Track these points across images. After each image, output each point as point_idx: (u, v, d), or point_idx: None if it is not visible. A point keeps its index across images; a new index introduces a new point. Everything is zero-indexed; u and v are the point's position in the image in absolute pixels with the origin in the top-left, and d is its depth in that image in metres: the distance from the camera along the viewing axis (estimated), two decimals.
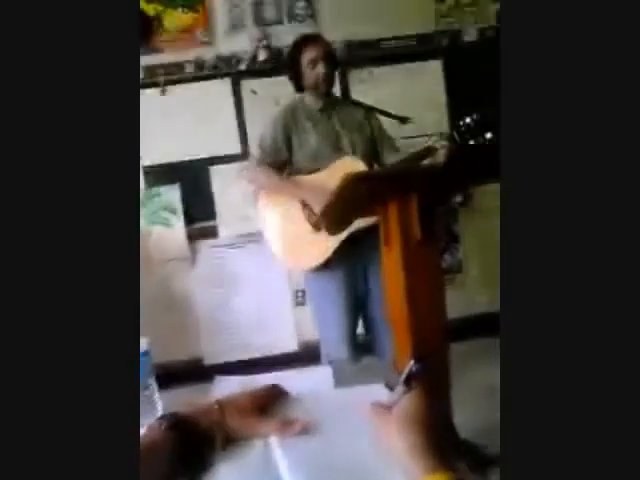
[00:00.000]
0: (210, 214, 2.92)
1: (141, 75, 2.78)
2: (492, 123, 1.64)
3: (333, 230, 1.73)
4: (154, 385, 0.90)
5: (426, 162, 1.84)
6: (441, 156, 1.76)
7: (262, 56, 2.84)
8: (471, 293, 3.08)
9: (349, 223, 1.69)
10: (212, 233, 2.94)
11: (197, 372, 2.68)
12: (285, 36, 2.76)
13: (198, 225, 2.94)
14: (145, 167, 2.83)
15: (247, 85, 2.89)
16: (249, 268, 2.95)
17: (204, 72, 2.85)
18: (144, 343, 0.88)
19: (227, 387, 0.84)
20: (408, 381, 0.62)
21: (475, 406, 1.94)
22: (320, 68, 2.00)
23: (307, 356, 2.37)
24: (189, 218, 2.93)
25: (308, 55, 2.01)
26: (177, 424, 0.61)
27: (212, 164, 2.90)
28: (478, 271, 3.12)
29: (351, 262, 2.02)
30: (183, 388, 1.07)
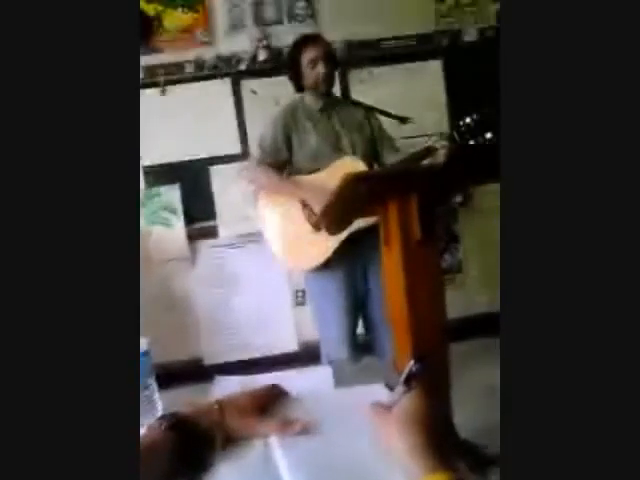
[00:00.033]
0: (210, 214, 2.92)
1: (141, 75, 2.77)
2: (492, 123, 1.64)
3: (333, 230, 1.73)
4: (154, 385, 0.90)
5: (426, 162, 1.84)
6: (441, 156, 1.76)
7: (262, 56, 2.84)
8: (471, 293, 3.08)
9: (349, 223, 1.69)
10: (212, 233, 2.94)
11: (197, 372, 2.68)
12: (285, 36, 2.77)
13: (198, 225, 2.94)
14: (145, 167, 2.83)
15: (247, 85, 2.89)
16: (249, 268, 2.95)
17: (204, 72, 2.85)
18: (144, 343, 0.88)
19: (227, 387, 0.84)
20: (408, 381, 0.62)
21: (475, 406, 1.94)
22: (320, 68, 2.00)
23: (307, 356, 2.37)
24: (189, 218, 2.93)
25: (308, 55, 2.01)
26: (177, 424, 0.61)
27: (212, 164, 2.90)
28: (478, 271, 3.12)
29: (351, 262, 2.02)
30: (183, 388, 1.07)
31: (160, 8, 2.80)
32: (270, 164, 2.05)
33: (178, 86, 2.85)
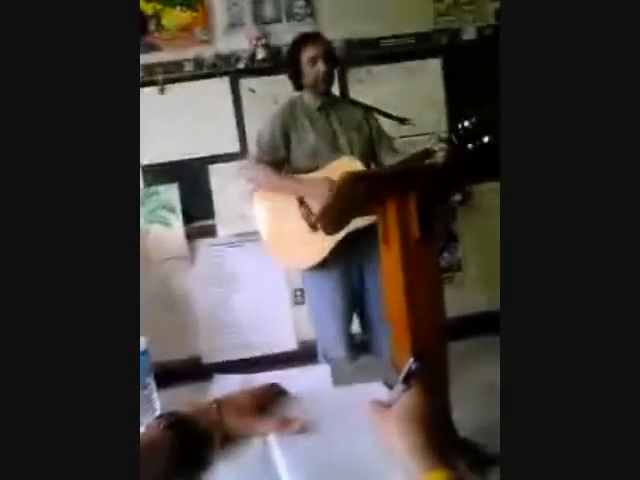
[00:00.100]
0: (209, 213, 2.92)
1: (140, 74, 2.77)
2: (490, 126, 1.63)
3: (330, 230, 1.73)
4: (153, 384, 0.90)
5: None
6: (439, 158, 1.76)
7: (261, 55, 2.83)
8: (470, 292, 3.08)
9: (347, 223, 1.69)
10: (211, 232, 2.94)
11: (196, 371, 2.67)
12: (284, 35, 2.76)
13: (197, 224, 2.94)
14: (144, 166, 2.83)
15: (246, 84, 2.88)
16: (248, 267, 2.95)
17: (203, 71, 2.85)
18: (143, 342, 0.88)
19: (226, 386, 0.84)
20: (407, 379, 0.62)
21: (474, 404, 1.94)
22: (320, 66, 2.00)
23: (306, 355, 2.37)
24: (188, 217, 2.92)
25: (308, 53, 2.01)
26: (176, 423, 0.61)
27: (211, 163, 2.89)
28: (477, 270, 3.12)
29: (347, 261, 2.02)
30: (182, 387, 1.07)
31: (159, 7, 2.79)
32: (268, 162, 2.05)
33: (177, 85, 2.84)
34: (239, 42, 2.85)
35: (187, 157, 2.88)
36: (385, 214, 1.47)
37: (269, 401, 0.70)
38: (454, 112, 2.94)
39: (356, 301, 2.10)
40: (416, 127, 2.19)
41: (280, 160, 2.06)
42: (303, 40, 2.05)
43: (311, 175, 2.00)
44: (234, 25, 2.86)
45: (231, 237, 2.94)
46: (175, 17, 2.81)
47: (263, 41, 2.83)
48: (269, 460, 0.61)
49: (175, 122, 2.84)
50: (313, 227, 1.97)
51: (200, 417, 0.63)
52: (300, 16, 2.89)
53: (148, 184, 2.87)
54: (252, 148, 2.37)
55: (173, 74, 2.83)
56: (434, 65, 2.98)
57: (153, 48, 2.80)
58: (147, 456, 0.56)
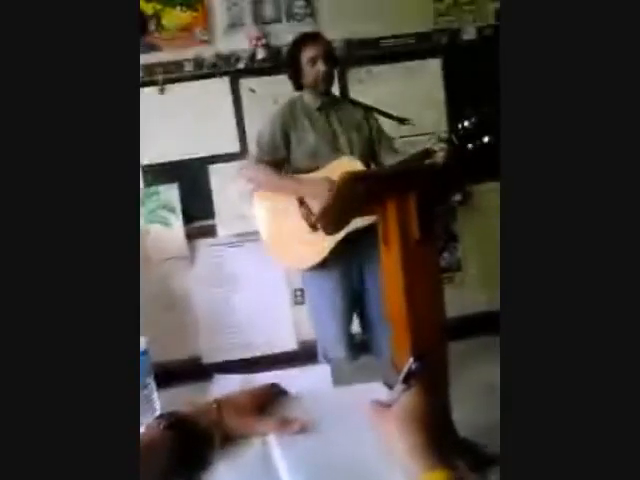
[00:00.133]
0: (209, 213, 2.92)
1: (140, 74, 2.77)
2: (490, 126, 1.63)
3: (330, 230, 1.73)
4: (153, 384, 0.90)
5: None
6: (439, 158, 1.76)
7: (261, 55, 2.83)
8: (470, 291, 3.08)
9: (347, 223, 1.68)
10: (211, 232, 2.94)
11: (196, 371, 2.67)
12: (284, 35, 2.76)
13: (197, 224, 2.94)
14: (144, 166, 2.83)
15: (246, 84, 2.88)
16: (248, 267, 2.95)
17: (203, 71, 2.85)
18: (143, 342, 0.88)
19: (226, 386, 0.84)
20: (407, 379, 0.62)
21: (474, 405, 1.94)
22: (320, 66, 2.00)
23: (306, 355, 2.37)
24: (188, 217, 2.92)
25: (308, 53, 2.01)
26: (176, 423, 0.61)
27: (211, 163, 2.89)
28: (477, 270, 3.12)
29: (348, 261, 2.02)
30: (182, 387, 1.07)
31: (159, 7, 2.79)
32: (268, 162, 2.05)
33: (177, 85, 2.84)
34: (239, 42, 2.85)
35: (187, 157, 2.88)
36: (385, 214, 1.47)
37: (269, 401, 0.70)
38: (454, 112, 2.93)
39: (356, 301, 2.10)
40: (416, 127, 2.19)
41: (280, 160, 2.06)
42: (303, 40, 2.05)
43: (311, 175, 2.00)
44: (234, 25, 2.86)
45: (231, 237, 2.94)
46: (175, 17, 2.81)
47: (263, 41, 2.83)
48: (269, 460, 0.61)
49: (175, 122, 2.83)
50: (313, 227, 1.97)
51: (200, 417, 0.63)
52: (300, 16, 2.89)
53: (148, 184, 2.87)
54: (252, 148, 2.37)
55: (173, 74, 2.83)
56: (434, 65, 2.98)
57: (153, 48, 2.80)
58: (147, 456, 0.56)
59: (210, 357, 2.98)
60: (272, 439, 0.64)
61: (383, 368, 1.91)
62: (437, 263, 1.80)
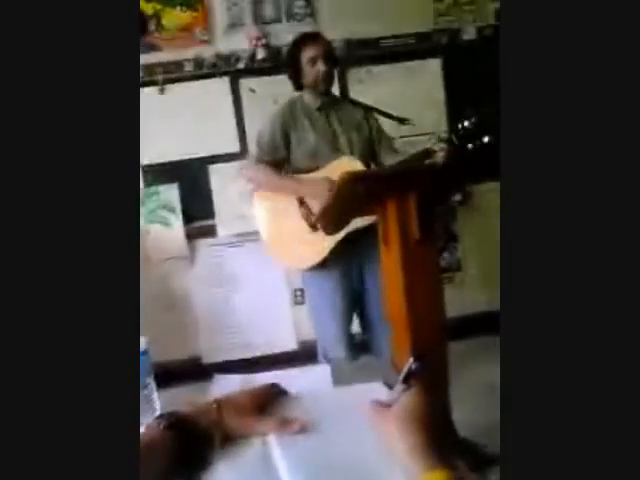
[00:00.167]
0: (209, 213, 2.92)
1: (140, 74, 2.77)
2: (490, 126, 1.63)
3: (330, 230, 1.73)
4: (153, 384, 0.90)
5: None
6: (439, 158, 1.76)
7: (261, 55, 2.83)
8: (470, 291, 3.08)
9: (347, 223, 1.68)
10: (211, 232, 2.94)
11: (195, 371, 2.67)
12: (284, 35, 2.76)
13: (197, 224, 2.94)
14: (144, 166, 2.83)
15: (246, 84, 2.88)
16: (248, 267, 2.95)
17: (203, 71, 2.85)
18: (143, 342, 0.88)
19: (226, 386, 0.84)
20: (407, 379, 0.62)
21: (474, 405, 1.94)
22: (320, 66, 2.00)
23: (306, 355, 2.37)
24: (188, 217, 2.92)
25: (308, 53, 2.01)
26: (175, 423, 0.61)
27: (211, 163, 2.89)
28: (477, 270, 3.12)
29: (347, 262, 2.02)
30: (182, 387, 1.07)
31: (159, 7, 2.79)
32: (268, 162, 2.05)
33: (177, 85, 2.84)
34: (239, 42, 2.85)
35: (187, 157, 2.88)
36: (385, 214, 1.47)
37: (269, 401, 0.70)
38: (454, 112, 2.93)
39: (356, 301, 2.10)
40: (416, 127, 2.19)
41: (280, 160, 2.06)
42: (303, 40, 2.05)
43: (311, 175, 2.00)
44: (234, 25, 2.86)
45: (231, 237, 2.94)
46: (175, 17, 2.81)
47: (263, 41, 2.83)
48: (269, 460, 0.61)
49: (175, 122, 2.83)
50: (313, 227, 1.96)
51: (200, 417, 0.63)
52: (300, 16, 2.89)
53: (148, 184, 2.87)
54: (252, 148, 2.37)
55: (173, 74, 2.83)
56: (434, 65, 2.98)
57: (153, 48, 2.80)
58: (147, 456, 0.56)
59: (210, 357, 2.98)
60: (272, 439, 0.64)
61: (383, 368, 1.91)
62: (437, 263, 1.80)
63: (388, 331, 1.59)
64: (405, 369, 0.63)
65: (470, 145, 1.67)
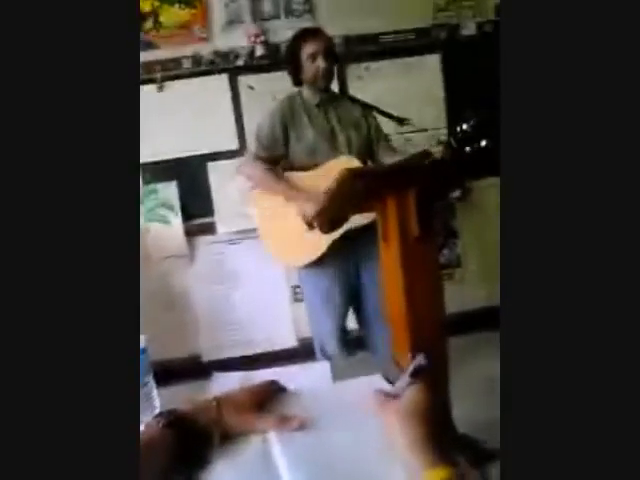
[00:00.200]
0: (208, 210, 2.92)
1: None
2: (488, 129, 1.63)
3: (327, 229, 1.73)
4: (152, 382, 0.90)
5: None
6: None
7: (259, 52, 2.83)
8: (470, 287, 3.09)
9: (345, 221, 1.68)
10: (210, 229, 2.94)
11: (195, 369, 2.68)
12: (282, 31, 2.76)
13: (196, 222, 2.94)
14: (142, 164, 2.82)
15: (244, 81, 2.88)
16: (247, 264, 2.95)
17: (201, 68, 2.84)
18: (142, 340, 0.88)
19: (225, 383, 0.84)
20: (415, 374, 0.62)
21: (474, 400, 1.94)
22: (320, 62, 1.98)
23: (305, 352, 2.37)
24: (187, 215, 2.92)
25: (308, 49, 2.00)
26: (175, 421, 0.61)
27: (210, 160, 2.89)
28: (477, 266, 3.12)
29: (344, 259, 2.02)
30: (181, 385, 1.07)
31: (157, 4, 2.79)
32: (267, 157, 2.04)
33: (175, 82, 2.84)
34: (238, 39, 2.85)
35: (186, 155, 2.88)
36: (384, 211, 1.46)
37: (268, 398, 0.70)
38: (453, 108, 2.93)
39: (353, 297, 2.10)
40: (415, 123, 2.18)
41: (278, 157, 2.05)
42: (303, 35, 2.04)
43: (307, 175, 1.99)
44: (232, 22, 2.86)
45: (231, 234, 2.94)
46: (173, 14, 2.81)
47: (262, 38, 2.82)
48: (269, 457, 0.61)
49: (174, 119, 2.83)
50: (309, 225, 1.96)
51: (199, 415, 0.63)
52: (299, 12, 2.88)
53: (147, 182, 2.87)
54: (251, 143, 2.36)
55: (171, 71, 2.83)
56: (433, 61, 2.98)
57: (151, 46, 2.80)
58: (147, 454, 0.56)
59: (210, 355, 2.98)
60: (272, 436, 0.64)
61: (381, 363, 1.91)
62: (437, 260, 1.80)
63: (384, 327, 1.60)
64: (415, 363, 0.63)
65: (468, 148, 1.66)
